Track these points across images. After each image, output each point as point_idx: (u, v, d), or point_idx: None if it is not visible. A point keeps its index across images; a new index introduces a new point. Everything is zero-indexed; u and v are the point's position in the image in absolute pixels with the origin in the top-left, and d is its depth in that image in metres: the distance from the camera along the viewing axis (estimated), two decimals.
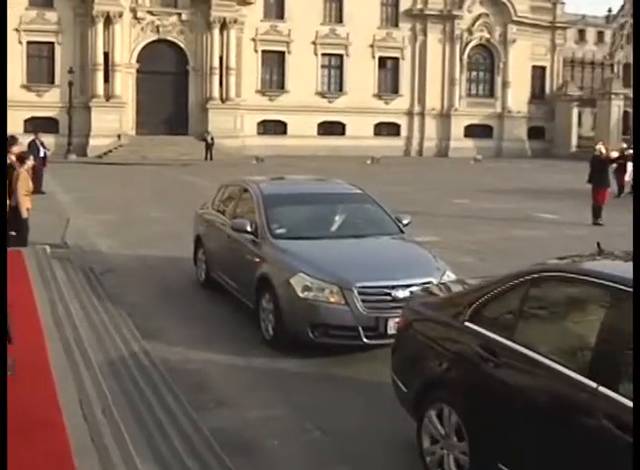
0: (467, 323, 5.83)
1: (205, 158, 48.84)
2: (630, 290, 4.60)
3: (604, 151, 22.88)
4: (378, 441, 6.74)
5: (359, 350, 8.97)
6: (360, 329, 8.66)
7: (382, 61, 60.39)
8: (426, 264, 9.56)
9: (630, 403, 4.30)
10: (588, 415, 4.57)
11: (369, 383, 8.16)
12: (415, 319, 6.62)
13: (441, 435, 5.83)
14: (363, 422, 7.15)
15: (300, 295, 8.82)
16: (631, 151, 29.16)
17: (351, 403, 7.61)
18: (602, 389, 4.53)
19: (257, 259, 9.89)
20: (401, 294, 8.67)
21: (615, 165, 26.10)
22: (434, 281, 9.01)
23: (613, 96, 58.50)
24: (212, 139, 49.68)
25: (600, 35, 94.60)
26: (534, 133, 63.92)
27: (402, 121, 60.63)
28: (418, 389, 6.18)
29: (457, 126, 61.01)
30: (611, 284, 4.80)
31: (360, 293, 8.68)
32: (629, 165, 28.26)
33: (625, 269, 4.99)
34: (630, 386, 4.36)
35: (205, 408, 7.27)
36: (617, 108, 58.87)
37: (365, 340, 8.72)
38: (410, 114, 60.62)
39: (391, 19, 60.62)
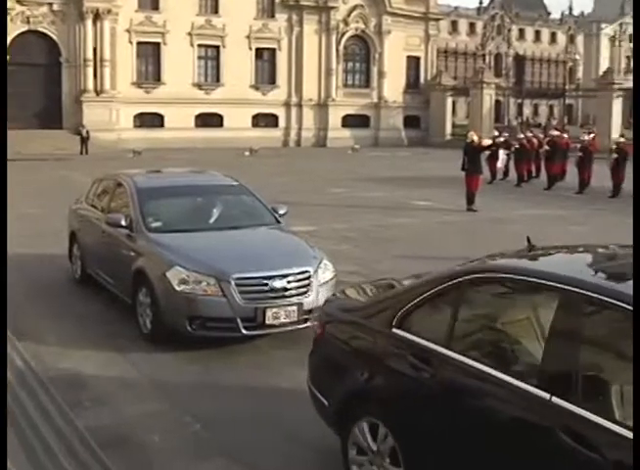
0: (395, 330, 5.35)
1: (81, 152, 47.82)
2: (584, 292, 4.24)
3: (476, 139, 23.45)
4: (260, 432, 6.74)
5: (238, 341, 8.97)
6: (238, 320, 8.66)
7: (258, 52, 60.29)
8: (302, 254, 9.63)
9: (588, 414, 3.99)
10: (543, 430, 4.20)
11: (249, 374, 8.17)
12: (333, 325, 6.10)
13: (372, 450, 5.37)
14: (244, 414, 7.15)
15: (177, 288, 8.76)
16: (502, 139, 30.02)
17: (232, 396, 7.61)
18: (556, 400, 4.17)
19: (133, 254, 9.77)
20: (278, 284, 8.76)
21: (487, 153, 26.79)
22: (311, 270, 9.14)
23: (485, 85, 59.95)
24: (88, 133, 48.66)
25: (472, 26, 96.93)
26: (410, 122, 64.99)
27: (280, 112, 60.71)
28: (342, 401, 5.66)
29: (334, 116, 61.49)
30: (562, 286, 4.41)
31: (237, 284, 8.68)
32: (501, 153, 29.11)
33: (574, 269, 4.66)
34: (586, 394, 4.07)
35: (82, 407, 7.14)
36: (489, 97, 60.41)
37: (244, 331, 8.73)
38: (288, 104, 60.76)
39: (268, 9, 60.54)
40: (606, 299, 4.12)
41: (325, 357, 6.13)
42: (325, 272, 9.39)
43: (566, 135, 33.83)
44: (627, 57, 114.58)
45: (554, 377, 4.27)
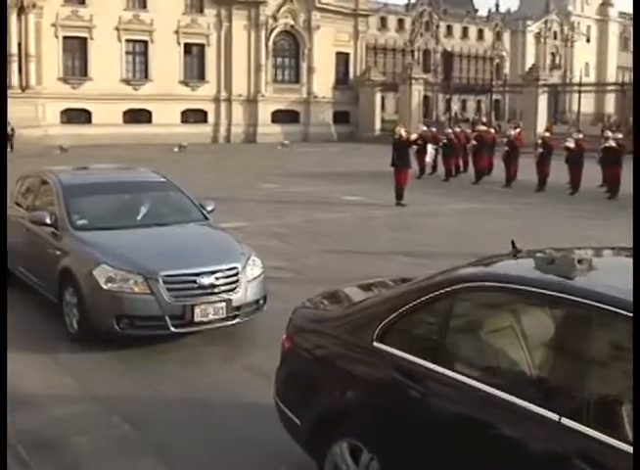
0: (377, 344, 4.92)
1: (6, 149, 46.92)
2: (587, 302, 3.94)
3: (404, 133, 23.63)
4: (191, 430, 6.71)
5: (167, 339, 8.90)
6: (167, 318, 8.60)
7: (187, 47, 59.83)
8: (230, 250, 9.61)
9: (602, 436, 3.66)
10: (552, 455, 3.83)
11: (179, 372, 8.13)
12: (304, 338, 5.63)
13: None
14: (174, 412, 7.11)
15: (104, 286, 8.67)
16: (429, 133, 30.28)
17: (162, 394, 7.55)
18: (566, 421, 3.80)
19: (59, 252, 9.62)
20: (207, 281, 8.74)
21: (415, 147, 27.02)
22: (239, 266, 9.13)
23: (413, 81, 60.41)
24: (13, 129, 47.71)
25: (401, 23, 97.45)
26: (340, 118, 65.18)
27: (209, 108, 60.36)
28: (317, 421, 5.21)
29: (264, 112, 61.37)
30: (570, 298, 4.05)
31: (165, 281, 8.62)
32: (429, 147, 29.37)
33: (581, 278, 4.42)
34: (598, 415, 3.74)
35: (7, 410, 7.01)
36: (418, 92, 60.90)
37: (172, 329, 8.67)
38: (217, 100, 60.43)
39: (196, 5, 60.11)
40: (620, 311, 3.79)
41: (295, 372, 5.65)
42: (253, 268, 9.38)
43: (493, 130, 34.34)
44: (552, 53, 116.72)
45: (562, 396, 3.94)
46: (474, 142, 30.11)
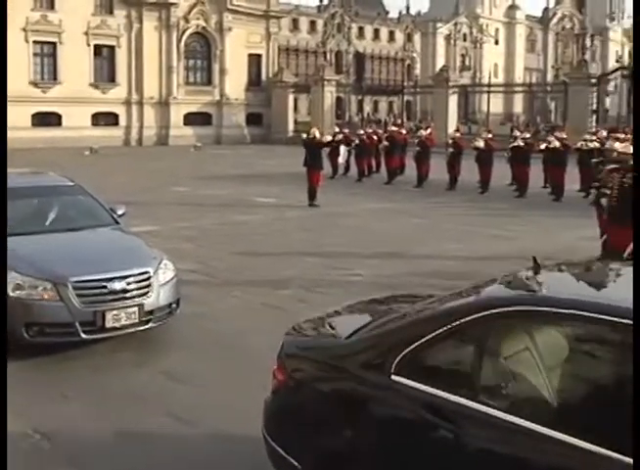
0: (396, 377, 4.31)
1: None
2: None
3: (317, 135, 23.75)
4: (103, 438, 6.62)
5: (78, 346, 8.75)
6: (77, 325, 8.47)
7: (97, 49, 58.91)
8: (142, 254, 9.53)
9: None
10: None
11: (90, 379, 8.02)
12: (302, 369, 4.98)
13: None
14: (86, 421, 7.00)
15: (12, 294, 8.48)
16: (341, 136, 30.47)
17: (73, 402, 7.44)
18: (627, 460, 3.38)
19: None
20: (118, 286, 8.65)
21: (328, 149, 27.18)
22: (151, 270, 9.06)
23: (326, 82, 60.69)
24: None
25: (313, 24, 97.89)
26: (253, 119, 65.07)
27: (120, 111, 59.59)
28: (321, 465, 4.62)
29: (176, 115, 60.87)
30: (617, 320, 3.64)
31: (75, 287, 8.50)
32: (342, 148, 29.62)
33: (619, 299, 3.88)
34: None
35: None
36: (330, 93, 61.19)
37: (83, 335, 8.56)
38: (128, 103, 59.70)
39: (106, 5, 59.23)
40: None
41: (292, 408, 4.96)
42: (165, 272, 9.32)
43: (404, 131, 34.78)
44: (462, 55, 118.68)
45: (624, 434, 3.41)
46: (385, 143, 30.43)
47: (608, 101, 59.59)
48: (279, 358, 5.15)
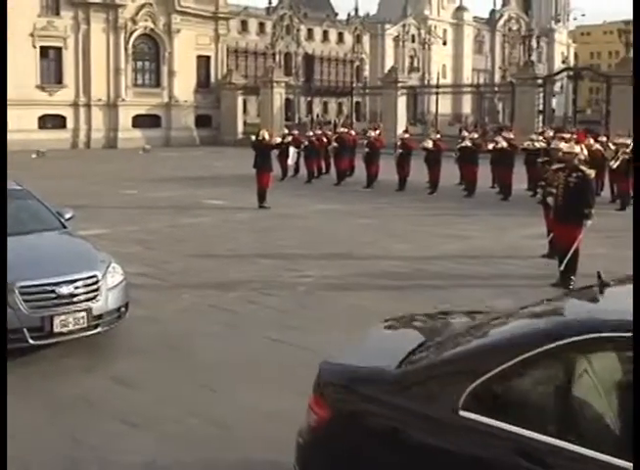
0: (464, 413, 3.82)
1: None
2: None
3: (267, 136, 23.75)
4: (56, 445, 6.59)
5: (25, 352, 8.64)
6: (25, 330, 8.39)
7: (44, 50, 58.21)
8: (89, 258, 9.47)
9: None
10: None
11: (39, 385, 7.96)
12: (347, 403, 4.32)
13: None
14: (37, 427, 6.97)
15: None
16: (290, 137, 30.49)
17: (23, 409, 7.36)
18: None
19: None
20: (65, 290, 8.59)
21: (277, 151, 27.18)
22: (99, 274, 9.01)
23: (275, 84, 60.65)
24: None
25: (262, 26, 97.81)
26: (202, 121, 64.81)
27: (68, 113, 58.96)
28: None
29: (125, 117, 60.39)
30: None
31: (22, 292, 8.42)
32: (291, 150, 29.66)
33: None
34: None
35: None
36: (280, 95, 61.15)
37: (31, 341, 8.48)
38: (76, 105, 59.08)
39: (52, 7, 58.55)
40: None
41: (333, 446, 4.31)
42: (114, 276, 9.28)
43: (353, 132, 34.91)
44: (410, 56, 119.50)
45: None
46: (335, 144, 30.48)
47: (554, 101, 60.45)
48: (316, 390, 4.49)
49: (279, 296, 11.60)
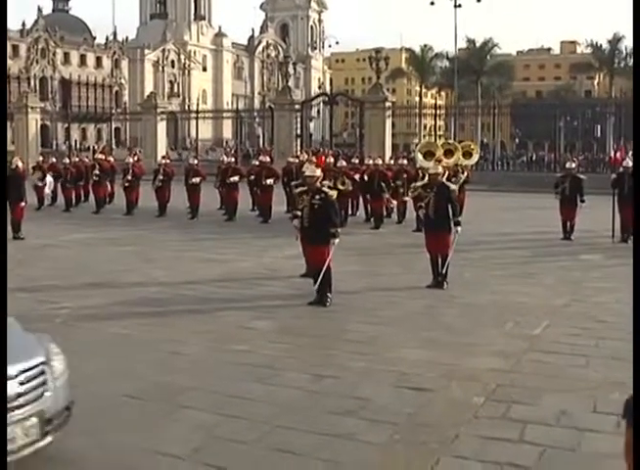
0: None
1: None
2: None
3: (21, 165, 22.91)
4: None
5: None
6: None
7: None
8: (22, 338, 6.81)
9: None
10: None
11: None
12: None
13: None
14: None
15: None
16: (47, 165, 29.52)
17: None
18: None
19: None
20: (10, 390, 5.69)
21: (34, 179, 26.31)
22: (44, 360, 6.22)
23: (30, 110, 58.49)
24: None
25: (15, 49, 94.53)
26: None
27: None
28: None
29: None
30: None
31: None
32: (48, 178, 28.73)
33: None
34: None
35: None
36: (35, 121, 59.02)
37: None
38: None
39: None
40: None
41: None
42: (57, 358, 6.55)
43: (111, 158, 34.36)
44: (170, 81, 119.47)
45: None
46: (96, 171, 29.76)
47: (312, 125, 62.28)
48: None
49: (38, 330, 11.21)
